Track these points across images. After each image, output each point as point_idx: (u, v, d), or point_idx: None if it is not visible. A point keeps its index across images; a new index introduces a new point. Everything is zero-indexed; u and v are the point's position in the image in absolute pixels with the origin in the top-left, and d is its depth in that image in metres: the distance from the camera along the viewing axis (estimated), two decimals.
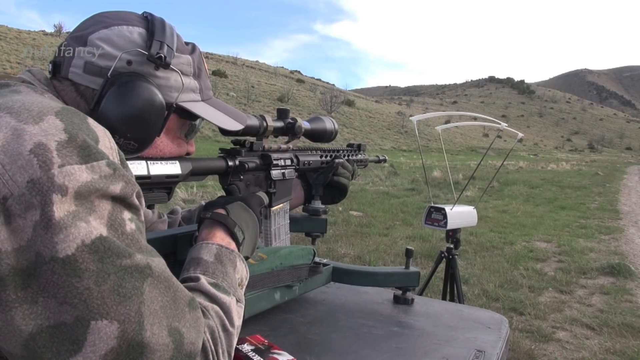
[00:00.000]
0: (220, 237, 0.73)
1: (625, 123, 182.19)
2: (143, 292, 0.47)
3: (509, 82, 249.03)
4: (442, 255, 2.49)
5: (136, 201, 0.52)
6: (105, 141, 0.52)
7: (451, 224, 2.26)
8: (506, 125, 2.49)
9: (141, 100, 0.63)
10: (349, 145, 1.28)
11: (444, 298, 2.53)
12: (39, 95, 0.59)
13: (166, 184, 0.72)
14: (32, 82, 0.64)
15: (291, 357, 0.83)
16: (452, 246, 2.43)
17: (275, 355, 0.83)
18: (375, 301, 1.20)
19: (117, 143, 0.60)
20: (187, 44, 0.74)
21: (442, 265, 2.51)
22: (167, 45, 0.66)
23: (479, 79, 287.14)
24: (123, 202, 0.50)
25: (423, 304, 1.20)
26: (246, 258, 0.76)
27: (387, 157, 1.46)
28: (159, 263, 0.51)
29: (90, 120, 0.52)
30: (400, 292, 1.21)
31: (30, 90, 0.59)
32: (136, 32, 0.66)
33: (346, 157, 1.21)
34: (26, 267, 0.42)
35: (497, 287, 4.14)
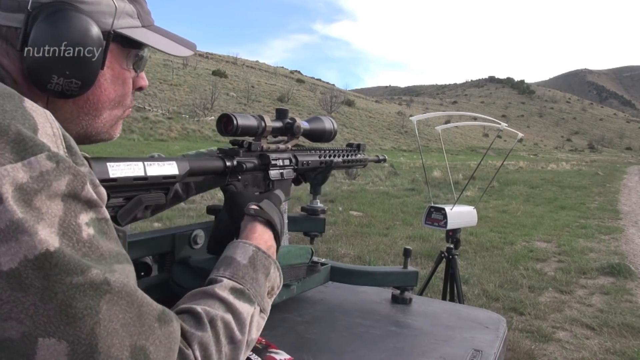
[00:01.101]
0: (261, 236, 0.72)
1: (625, 123, 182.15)
2: (99, 311, 0.42)
3: (509, 82, 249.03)
4: (442, 255, 2.49)
5: (92, 194, 0.46)
6: (47, 127, 0.46)
7: (451, 224, 2.26)
8: (506, 125, 2.49)
9: (74, 31, 0.56)
10: (349, 145, 1.28)
11: (444, 298, 2.53)
12: None
13: (163, 185, 0.72)
14: None
15: (289, 357, 0.83)
16: (452, 246, 2.43)
17: (272, 355, 0.83)
18: (373, 301, 1.20)
19: (57, 84, 0.57)
20: None
21: (442, 265, 2.51)
22: None
23: (479, 79, 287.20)
24: (76, 200, 0.44)
25: (421, 304, 1.20)
26: None
27: (386, 157, 1.46)
28: (121, 274, 0.45)
29: (28, 104, 0.46)
30: (398, 291, 1.21)
31: None
32: None
33: (346, 157, 1.21)
34: None
35: (497, 287, 4.14)
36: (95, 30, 0.58)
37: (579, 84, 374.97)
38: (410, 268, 1.21)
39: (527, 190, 12.30)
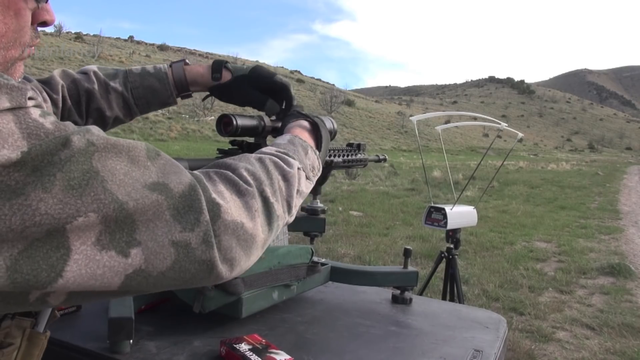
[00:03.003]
0: (300, 133, 0.75)
1: (625, 123, 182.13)
2: (98, 171, 0.41)
3: (509, 82, 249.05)
4: (442, 255, 2.49)
5: (35, 101, 0.43)
6: None
7: (451, 224, 2.26)
8: (506, 125, 2.49)
9: None
10: (349, 144, 1.28)
11: (444, 298, 2.52)
12: None
13: None
14: None
15: (289, 357, 0.83)
16: (452, 246, 2.43)
17: (272, 355, 0.83)
18: (373, 301, 1.19)
19: None
20: None
21: (442, 265, 2.51)
22: None
23: (479, 79, 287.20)
24: (23, 108, 0.40)
25: (421, 304, 1.20)
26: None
27: (387, 157, 1.46)
28: (95, 132, 0.43)
29: None
30: (398, 291, 1.21)
31: None
32: None
33: (346, 157, 1.21)
34: None
35: (497, 287, 4.14)
36: None
37: (579, 84, 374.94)
38: (410, 268, 1.20)
39: (527, 190, 12.30)
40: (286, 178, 0.58)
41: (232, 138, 0.90)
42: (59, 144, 0.39)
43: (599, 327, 3.36)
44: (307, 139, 0.74)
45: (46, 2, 0.57)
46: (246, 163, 0.55)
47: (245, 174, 0.53)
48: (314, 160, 0.70)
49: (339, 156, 1.17)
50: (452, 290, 2.46)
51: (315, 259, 1.09)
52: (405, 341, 0.97)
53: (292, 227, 1.14)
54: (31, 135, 0.39)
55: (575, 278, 4.59)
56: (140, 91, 0.93)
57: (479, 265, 4.82)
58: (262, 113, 0.94)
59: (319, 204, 1.18)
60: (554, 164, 29.13)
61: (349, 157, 1.22)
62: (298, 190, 0.61)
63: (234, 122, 0.85)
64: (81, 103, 0.91)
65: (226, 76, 0.92)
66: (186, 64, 0.96)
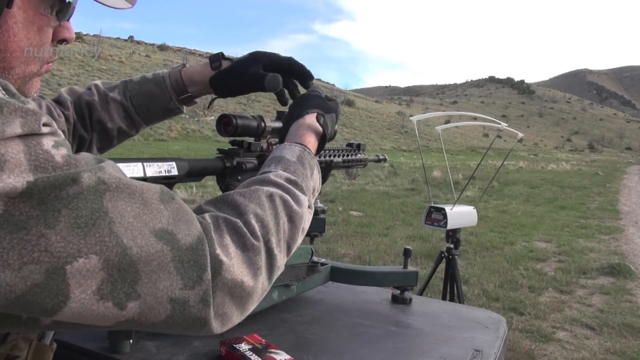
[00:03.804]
0: (307, 138, 0.72)
1: (625, 123, 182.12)
2: (107, 212, 0.39)
3: (509, 82, 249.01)
4: (442, 255, 2.49)
5: (49, 128, 0.41)
6: None
7: (451, 224, 2.26)
8: (506, 125, 2.49)
9: None
10: (349, 144, 1.28)
11: (444, 298, 2.52)
12: None
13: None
14: None
15: (289, 357, 0.83)
16: (452, 246, 2.43)
17: (272, 355, 0.83)
18: (373, 301, 1.19)
19: None
20: None
21: (442, 265, 2.51)
22: None
23: (479, 79, 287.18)
24: (35, 135, 0.39)
25: (421, 304, 1.20)
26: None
27: (387, 157, 1.46)
28: (108, 170, 0.42)
29: None
30: (398, 291, 1.21)
31: None
32: None
33: (346, 157, 1.21)
34: None
35: (497, 287, 4.14)
36: None
37: (579, 84, 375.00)
38: (410, 268, 1.21)
39: (527, 190, 12.30)
40: (292, 219, 0.56)
41: (232, 138, 0.90)
42: (68, 179, 0.38)
43: (599, 327, 3.36)
44: (314, 146, 0.73)
45: (67, 20, 0.58)
46: (256, 205, 0.52)
47: (253, 222, 0.51)
48: (316, 182, 0.69)
49: (338, 156, 1.17)
50: (452, 290, 2.46)
51: (315, 259, 1.09)
52: (405, 341, 0.97)
53: None
54: (38, 168, 0.38)
55: (575, 278, 4.59)
56: (140, 98, 0.92)
57: (479, 265, 4.82)
58: (262, 113, 0.94)
59: (319, 204, 1.18)
60: (554, 164, 29.13)
61: (349, 157, 1.22)
62: (303, 228, 0.60)
63: (234, 122, 0.85)
64: (84, 117, 0.91)
65: (225, 64, 0.90)
66: (184, 67, 0.94)
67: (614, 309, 3.72)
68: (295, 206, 0.56)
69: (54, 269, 0.37)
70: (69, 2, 0.57)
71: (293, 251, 0.58)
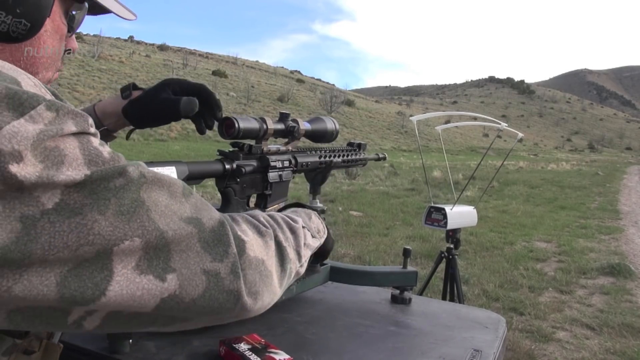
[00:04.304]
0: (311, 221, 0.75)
1: (625, 123, 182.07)
2: (144, 201, 0.44)
3: (509, 82, 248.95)
4: (442, 255, 2.49)
5: (94, 129, 0.46)
6: (25, 79, 0.45)
7: (451, 224, 2.26)
8: (506, 125, 2.49)
9: None
10: (350, 144, 1.28)
11: (444, 298, 2.52)
12: None
13: None
14: None
15: (288, 357, 0.83)
16: (452, 246, 2.43)
17: (272, 355, 0.83)
18: (372, 301, 1.19)
19: (4, 22, 0.53)
20: None
21: (442, 265, 2.51)
22: None
23: (479, 79, 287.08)
24: (86, 133, 0.44)
25: (421, 304, 1.20)
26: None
27: (387, 155, 1.46)
28: (144, 165, 0.48)
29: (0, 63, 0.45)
30: (397, 291, 1.21)
31: None
32: None
33: (346, 157, 1.21)
34: (16, 239, 0.38)
35: (497, 287, 4.14)
36: None
37: (579, 84, 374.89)
38: (410, 268, 1.20)
39: (527, 190, 12.30)
40: (293, 230, 0.62)
41: (233, 140, 0.90)
42: (116, 172, 0.43)
43: (599, 327, 3.36)
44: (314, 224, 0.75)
45: (74, 33, 0.65)
46: (260, 215, 0.60)
47: (262, 219, 0.58)
48: (318, 224, 0.74)
49: (338, 156, 1.18)
50: (452, 290, 2.46)
51: None
52: (404, 341, 0.97)
53: None
54: (92, 162, 0.42)
55: (575, 278, 4.59)
56: None
57: (479, 265, 4.82)
58: (263, 115, 0.95)
59: (319, 204, 1.18)
60: (554, 164, 29.13)
61: (349, 157, 1.22)
62: (305, 243, 0.65)
63: (236, 125, 0.85)
64: None
65: (136, 93, 0.87)
66: (99, 102, 0.91)
67: (614, 309, 3.72)
68: (292, 222, 0.63)
69: (104, 250, 0.41)
70: (74, 16, 0.63)
71: (304, 261, 0.64)
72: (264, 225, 0.57)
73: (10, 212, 0.38)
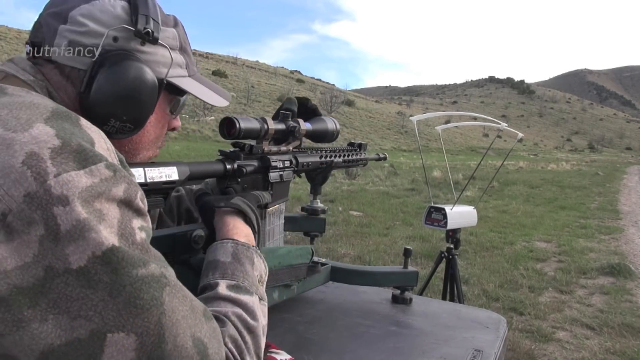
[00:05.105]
0: (235, 228, 0.72)
1: (625, 123, 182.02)
2: (163, 302, 0.44)
3: (509, 82, 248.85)
4: (442, 255, 2.49)
5: (141, 204, 0.49)
6: (102, 142, 0.49)
7: (451, 224, 2.26)
8: (506, 125, 2.49)
9: (135, 80, 0.61)
10: (350, 144, 1.28)
11: (444, 298, 2.53)
12: (26, 93, 0.55)
13: (163, 190, 0.71)
14: (17, 73, 0.60)
15: (289, 357, 0.83)
16: (452, 246, 2.43)
17: (273, 355, 0.83)
18: (373, 301, 1.19)
19: (113, 127, 0.62)
20: (167, 15, 0.71)
21: (442, 265, 2.51)
22: (153, 19, 0.63)
23: (479, 79, 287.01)
24: (129, 207, 0.47)
25: (421, 304, 1.20)
26: None
27: (387, 155, 1.46)
28: (171, 272, 0.49)
29: (84, 122, 0.50)
30: (398, 291, 1.21)
31: (17, 90, 0.55)
32: (119, 6, 0.62)
33: (346, 157, 1.21)
34: (33, 284, 0.40)
35: (497, 287, 4.14)
36: (152, 79, 0.64)
37: (579, 84, 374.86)
38: (410, 268, 1.20)
39: (527, 190, 12.30)
40: (251, 330, 0.58)
41: (234, 140, 0.90)
42: (140, 261, 0.44)
43: (599, 327, 3.36)
44: (247, 234, 0.72)
45: (178, 114, 0.78)
46: (226, 327, 0.55)
47: (231, 346, 0.54)
48: (261, 270, 0.69)
49: (339, 156, 1.18)
50: (452, 290, 2.46)
51: (315, 259, 1.09)
52: (405, 341, 0.97)
53: (292, 227, 1.14)
54: (123, 236, 0.45)
55: (575, 278, 4.58)
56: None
57: (479, 265, 4.82)
58: (262, 113, 0.94)
59: (319, 204, 1.18)
60: (554, 164, 29.12)
61: (350, 157, 1.22)
62: (263, 327, 0.61)
63: (237, 125, 0.85)
64: (172, 208, 1.02)
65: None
66: None
67: (614, 309, 3.72)
68: (250, 320, 0.58)
69: (98, 331, 0.41)
70: (180, 101, 0.75)
71: (262, 356, 0.60)
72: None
73: (42, 258, 0.40)
